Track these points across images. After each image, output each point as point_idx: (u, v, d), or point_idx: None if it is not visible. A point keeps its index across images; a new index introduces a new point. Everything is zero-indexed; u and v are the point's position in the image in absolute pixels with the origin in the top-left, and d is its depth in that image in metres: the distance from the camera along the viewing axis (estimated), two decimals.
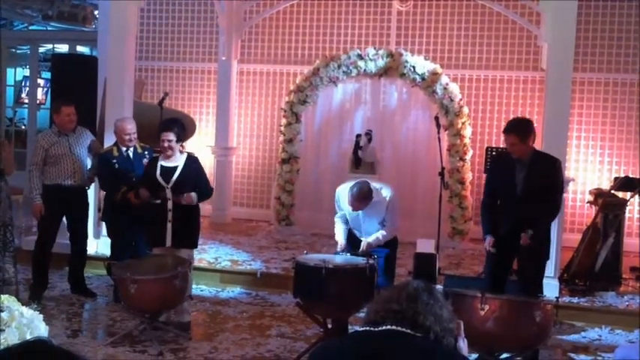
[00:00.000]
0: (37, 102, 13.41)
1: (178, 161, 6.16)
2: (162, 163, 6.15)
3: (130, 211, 6.55)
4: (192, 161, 6.24)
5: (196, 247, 6.43)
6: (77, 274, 7.17)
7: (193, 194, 6.08)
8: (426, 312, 2.23)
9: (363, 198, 6.02)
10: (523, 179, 5.66)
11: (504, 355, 5.18)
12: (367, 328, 2.25)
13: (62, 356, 1.48)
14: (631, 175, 8.63)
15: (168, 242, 6.10)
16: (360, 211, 6.14)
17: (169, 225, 6.07)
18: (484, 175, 9.15)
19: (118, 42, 8.19)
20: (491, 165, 6.57)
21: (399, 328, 2.20)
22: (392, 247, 6.34)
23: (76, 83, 8.29)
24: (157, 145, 7.28)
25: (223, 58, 10.55)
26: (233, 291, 7.51)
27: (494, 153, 8.21)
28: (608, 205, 7.70)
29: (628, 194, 8.10)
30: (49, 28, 13.78)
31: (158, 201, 6.07)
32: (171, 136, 6.08)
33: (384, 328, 2.21)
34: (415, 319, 2.21)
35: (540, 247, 5.75)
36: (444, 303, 2.28)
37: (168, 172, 6.11)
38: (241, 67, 10.84)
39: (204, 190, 6.29)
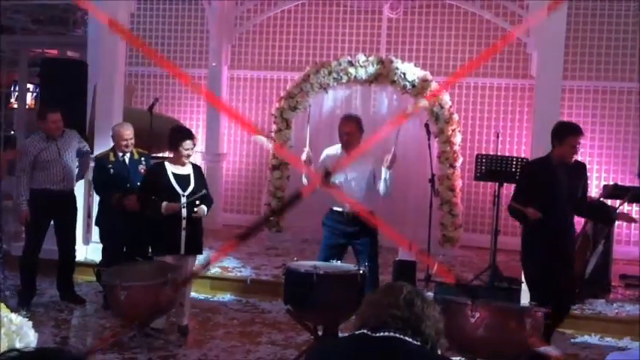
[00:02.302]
0: (27, 107, 13.34)
1: (189, 169, 6.16)
2: (173, 170, 6.11)
3: (123, 217, 6.53)
4: (198, 169, 6.28)
5: (202, 253, 6.41)
6: (66, 280, 7.14)
7: (204, 207, 6.10)
8: (423, 316, 2.25)
9: (353, 120, 6.18)
10: (570, 184, 5.71)
11: None
12: (364, 332, 2.25)
13: None
14: (620, 183, 8.68)
15: (183, 250, 6.07)
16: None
17: (184, 233, 6.04)
18: (474, 183, 9.19)
19: (108, 47, 8.18)
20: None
21: (399, 335, 2.21)
22: (374, 257, 6.20)
23: (65, 87, 8.26)
24: (150, 150, 7.32)
25: (214, 64, 10.54)
26: (223, 298, 7.49)
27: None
28: None
29: (617, 202, 8.14)
30: (38, 33, 13.72)
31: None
32: (191, 145, 6.11)
33: (384, 334, 2.22)
34: (417, 325, 2.24)
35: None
36: (433, 304, 2.31)
37: (183, 180, 6.10)
38: (232, 73, 10.84)
39: (210, 199, 6.26)
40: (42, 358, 1.48)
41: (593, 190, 9.44)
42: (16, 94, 14.46)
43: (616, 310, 7.03)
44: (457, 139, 9.18)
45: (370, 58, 9.40)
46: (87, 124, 8.44)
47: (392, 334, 2.22)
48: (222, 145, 10.75)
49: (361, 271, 5.39)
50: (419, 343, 2.23)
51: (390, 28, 10.37)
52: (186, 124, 10.64)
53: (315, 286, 5.23)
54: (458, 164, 9.21)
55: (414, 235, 8.69)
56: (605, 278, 7.59)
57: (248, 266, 8.22)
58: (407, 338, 2.22)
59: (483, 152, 9.02)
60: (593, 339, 6.55)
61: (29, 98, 14.37)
